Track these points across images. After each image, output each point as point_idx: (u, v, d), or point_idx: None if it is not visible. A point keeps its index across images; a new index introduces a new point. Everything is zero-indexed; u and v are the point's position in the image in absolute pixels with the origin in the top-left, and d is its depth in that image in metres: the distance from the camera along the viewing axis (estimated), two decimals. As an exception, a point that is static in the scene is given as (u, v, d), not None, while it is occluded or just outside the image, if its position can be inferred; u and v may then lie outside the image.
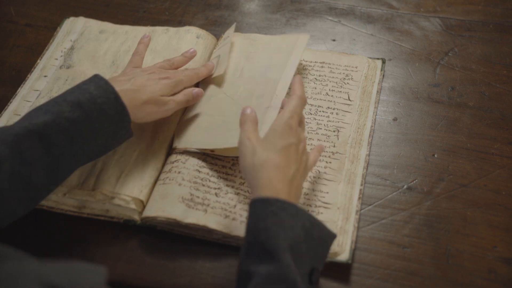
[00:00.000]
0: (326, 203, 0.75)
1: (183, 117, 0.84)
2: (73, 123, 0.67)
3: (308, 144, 0.81)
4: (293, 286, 0.58)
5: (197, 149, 0.79)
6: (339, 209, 0.74)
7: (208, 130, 0.80)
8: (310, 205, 0.75)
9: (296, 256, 0.60)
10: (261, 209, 0.62)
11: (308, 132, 0.83)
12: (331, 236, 0.65)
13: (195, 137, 0.80)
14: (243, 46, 0.92)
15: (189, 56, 0.86)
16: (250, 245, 0.61)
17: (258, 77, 0.86)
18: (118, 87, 0.72)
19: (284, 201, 0.62)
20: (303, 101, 0.71)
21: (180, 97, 0.79)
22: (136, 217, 0.75)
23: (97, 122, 0.69)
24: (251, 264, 0.60)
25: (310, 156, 0.73)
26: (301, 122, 0.72)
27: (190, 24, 0.99)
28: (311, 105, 0.86)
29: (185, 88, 0.81)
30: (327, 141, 0.81)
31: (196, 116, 0.83)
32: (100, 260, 0.72)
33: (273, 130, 0.68)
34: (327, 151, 0.80)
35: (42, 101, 0.86)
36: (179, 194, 0.74)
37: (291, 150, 0.67)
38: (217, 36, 0.97)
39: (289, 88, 0.82)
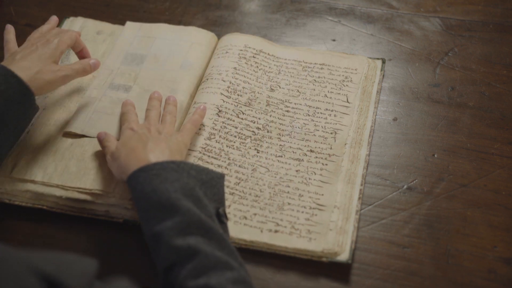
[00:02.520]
0: (320, 205, 0.75)
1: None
2: None
3: (305, 146, 0.81)
4: (199, 224, 0.62)
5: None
6: (339, 209, 0.74)
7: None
8: (305, 207, 0.75)
9: (195, 201, 0.65)
10: (143, 177, 0.66)
11: (305, 134, 0.82)
12: (220, 176, 0.70)
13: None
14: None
15: (54, 21, 0.88)
16: (145, 210, 0.65)
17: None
18: (15, 69, 0.73)
19: (161, 162, 0.67)
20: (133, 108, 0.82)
21: (76, 65, 0.81)
22: (136, 217, 0.74)
23: (4, 110, 0.71)
24: (154, 225, 0.63)
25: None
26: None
27: (190, 24, 0.99)
28: (309, 106, 0.86)
29: (68, 46, 0.82)
30: (324, 143, 0.81)
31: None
32: (100, 260, 0.72)
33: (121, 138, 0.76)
34: (323, 153, 0.80)
35: (38, 101, 0.86)
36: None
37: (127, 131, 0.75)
38: (218, 36, 0.97)
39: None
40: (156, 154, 0.70)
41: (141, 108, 0.83)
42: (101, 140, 0.77)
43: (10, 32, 0.86)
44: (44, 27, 0.85)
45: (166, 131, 0.76)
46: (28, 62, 0.76)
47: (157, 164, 0.67)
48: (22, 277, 0.48)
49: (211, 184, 0.69)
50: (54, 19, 0.88)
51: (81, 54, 0.87)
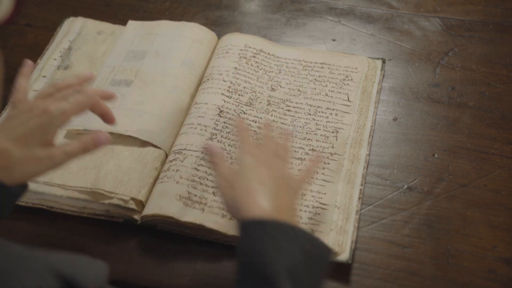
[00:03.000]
0: (323, 204, 0.75)
1: None
2: None
3: (307, 145, 0.81)
4: None
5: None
6: (339, 209, 0.74)
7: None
8: (308, 206, 0.75)
9: (295, 281, 0.56)
10: (256, 233, 0.57)
11: (307, 133, 0.82)
12: (329, 251, 0.61)
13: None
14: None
15: (84, 78, 0.71)
16: (245, 269, 0.57)
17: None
18: None
19: (281, 223, 0.58)
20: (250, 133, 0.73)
21: (73, 145, 0.63)
22: (136, 216, 0.75)
23: None
24: None
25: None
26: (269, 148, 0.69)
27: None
28: (311, 105, 0.86)
29: (75, 114, 0.64)
30: (326, 142, 0.81)
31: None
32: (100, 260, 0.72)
33: (240, 165, 0.65)
34: (325, 152, 0.80)
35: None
36: (176, 192, 0.74)
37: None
38: (218, 36, 0.97)
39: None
40: (277, 207, 0.60)
41: (141, 101, 0.84)
42: (211, 152, 0.67)
43: (25, 74, 0.69)
44: (59, 84, 0.68)
45: (285, 172, 0.66)
46: (6, 143, 0.58)
47: (276, 224, 0.58)
48: (42, 276, 0.48)
49: (317, 260, 0.59)
50: (86, 75, 0.71)
51: (103, 119, 0.70)
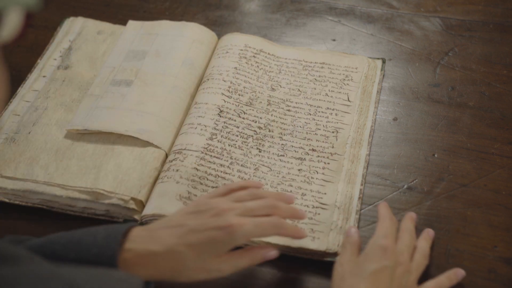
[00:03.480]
0: (323, 203, 0.75)
1: None
2: None
3: (307, 145, 0.81)
4: None
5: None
6: (339, 209, 0.74)
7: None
8: (308, 206, 0.75)
9: None
10: None
11: (307, 133, 0.83)
12: None
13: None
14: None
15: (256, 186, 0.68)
16: None
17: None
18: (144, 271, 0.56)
19: None
20: (394, 222, 0.67)
21: (242, 260, 0.62)
22: (136, 216, 0.75)
23: None
24: None
25: (414, 274, 0.64)
26: (404, 244, 0.66)
27: (190, 24, 1.00)
28: (311, 105, 0.86)
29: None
30: (326, 142, 0.81)
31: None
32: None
33: (365, 254, 0.63)
34: (325, 152, 0.80)
35: (40, 101, 0.87)
36: (176, 192, 0.74)
37: (383, 275, 0.60)
38: (218, 36, 0.97)
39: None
40: None
41: (141, 101, 0.84)
42: (350, 241, 0.65)
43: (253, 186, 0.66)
44: (233, 185, 0.66)
45: (412, 283, 0.63)
46: (183, 247, 0.57)
47: None
48: None
49: None
50: (255, 184, 0.68)
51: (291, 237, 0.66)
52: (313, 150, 0.81)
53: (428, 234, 0.70)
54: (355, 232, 0.67)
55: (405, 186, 0.78)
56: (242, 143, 0.81)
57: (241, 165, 0.79)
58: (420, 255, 0.66)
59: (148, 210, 0.73)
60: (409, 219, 0.70)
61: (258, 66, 0.91)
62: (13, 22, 0.43)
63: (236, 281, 0.69)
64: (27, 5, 0.38)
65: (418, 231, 0.73)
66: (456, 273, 0.66)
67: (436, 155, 0.81)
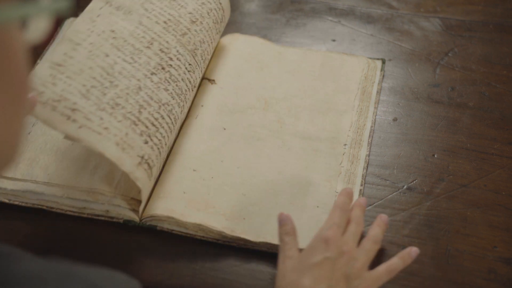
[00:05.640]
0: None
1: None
2: None
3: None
4: None
5: None
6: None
7: None
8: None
9: None
10: None
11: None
12: None
13: None
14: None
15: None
16: None
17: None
18: None
19: None
20: (345, 212, 0.64)
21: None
22: (136, 217, 0.75)
23: None
24: None
25: (362, 259, 0.62)
26: (350, 232, 0.64)
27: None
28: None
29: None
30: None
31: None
32: (100, 261, 0.72)
33: (308, 248, 0.61)
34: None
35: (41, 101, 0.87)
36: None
37: (324, 266, 0.58)
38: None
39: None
40: None
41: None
42: (286, 232, 0.63)
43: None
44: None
45: (359, 270, 0.61)
46: None
47: None
48: None
49: None
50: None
51: None
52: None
53: (381, 219, 0.67)
54: (286, 217, 0.63)
55: (405, 187, 0.78)
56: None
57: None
58: (369, 241, 0.64)
59: (148, 211, 0.74)
60: (358, 206, 0.67)
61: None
62: (42, 25, 0.43)
63: (236, 281, 0.69)
64: (58, 11, 0.38)
65: (418, 231, 0.74)
66: (410, 253, 0.65)
67: (436, 156, 0.81)
